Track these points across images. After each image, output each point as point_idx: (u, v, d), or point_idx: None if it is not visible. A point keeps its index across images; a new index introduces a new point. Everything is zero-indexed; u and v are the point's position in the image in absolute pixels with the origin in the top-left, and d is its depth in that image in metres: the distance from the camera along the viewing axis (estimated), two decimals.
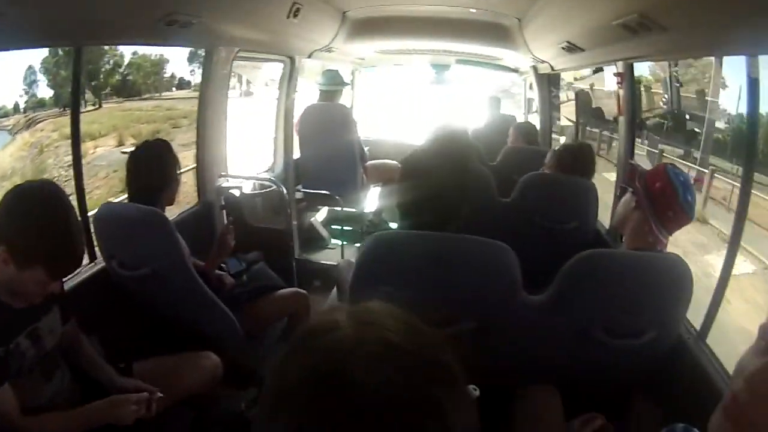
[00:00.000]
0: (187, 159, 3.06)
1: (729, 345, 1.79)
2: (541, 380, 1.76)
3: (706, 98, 5.98)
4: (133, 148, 2.42)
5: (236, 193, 3.41)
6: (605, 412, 1.31)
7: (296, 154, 4.41)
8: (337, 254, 4.26)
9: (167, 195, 2.34)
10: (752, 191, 1.99)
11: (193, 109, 3.21)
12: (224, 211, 3.31)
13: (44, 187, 1.55)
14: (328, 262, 3.97)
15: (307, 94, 4.60)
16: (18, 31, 1.74)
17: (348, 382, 0.49)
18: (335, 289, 2.59)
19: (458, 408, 0.53)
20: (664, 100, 6.90)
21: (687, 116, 6.52)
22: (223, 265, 2.69)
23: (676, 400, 1.71)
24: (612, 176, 3.53)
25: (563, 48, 3.26)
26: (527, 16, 3.49)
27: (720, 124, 5.97)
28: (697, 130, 6.36)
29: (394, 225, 3.78)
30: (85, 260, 2.41)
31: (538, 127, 4.84)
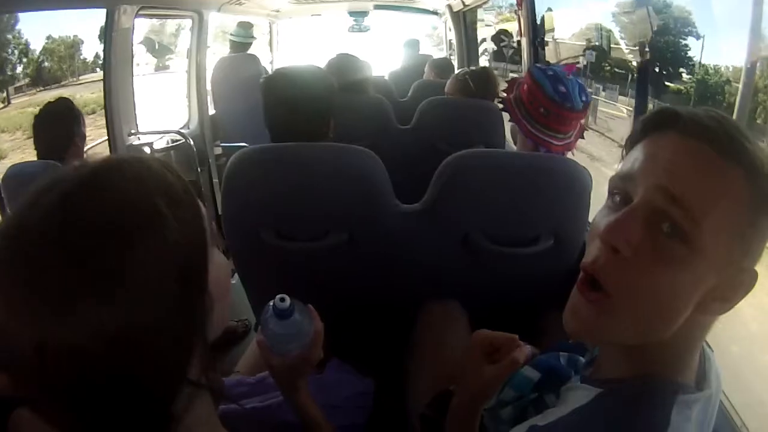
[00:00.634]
0: None
1: None
2: (440, 295, 1.71)
3: None
4: None
5: (147, 150, 3.33)
6: (516, 331, 1.26)
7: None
8: None
9: (73, 151, 2.34)
10: None
11: None
12: None
13: None
14: None
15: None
16: None
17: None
18: None
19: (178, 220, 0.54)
20: None
21: None
22: None
23: None
24: None
25: None
26: None
27: None
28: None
29: None
30: None
31: None
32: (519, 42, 3.33)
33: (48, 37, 3.26)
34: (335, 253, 1.56)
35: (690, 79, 2.59)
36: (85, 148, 2.45)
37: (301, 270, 1.62)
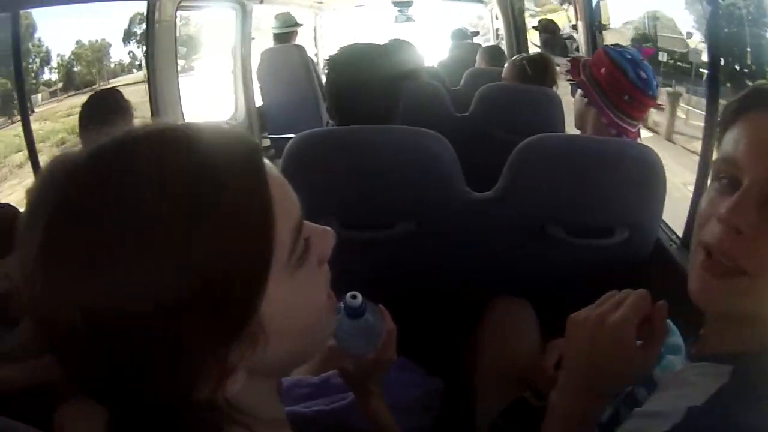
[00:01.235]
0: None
1: None
2: (509, 291, 1.60)
3: None
4: None
5: None
6: None
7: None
8: None
9: None
10: None
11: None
12: None
13: None
14: None
15: None
16: None
17: None
18: None
19: None
20: None
21: None
22: None
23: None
24: None
25: None
26: None
27: None
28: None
29: None
30: None
31: None
32: (567, 35, 3.22)
33: (77, 42, 3.28)
34: (401, 244, 1.47)
35: None
36: None
37: (364, 262, 1.54)
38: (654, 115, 4.13)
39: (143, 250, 0.41)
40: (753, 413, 0.62)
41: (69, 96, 3.16)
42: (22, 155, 2.59)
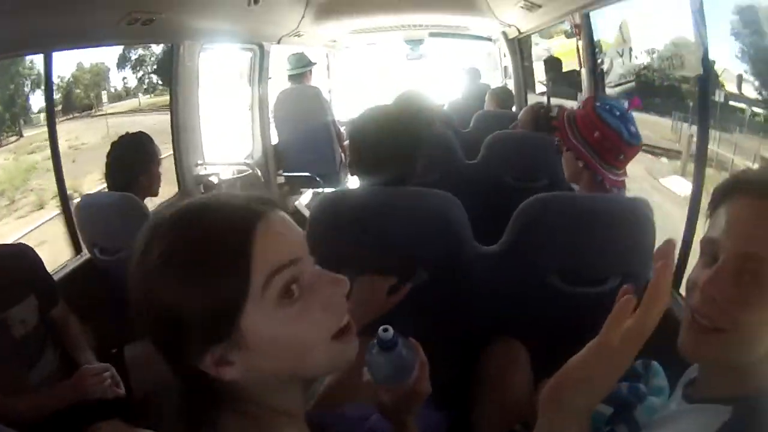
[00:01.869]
0: None
1: None
2: (508, 335, 1.71)
3: None
4: None
5: (215, 180, 3.47)
6: None
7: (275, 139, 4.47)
8: None
9: (143, 183, 2.39)
10: None
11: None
12: None
13: None
14: None
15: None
16: None
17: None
18: None
19: None
20: None
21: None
22: None
23: (651, 354, 1.66)
24: None
25: (522, 7, 3.30)
26: None
27: None
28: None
29: None
30: (71, 252, 2.55)
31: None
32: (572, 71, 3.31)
33: (78, 64, 3.29)
34: (414, 290, 1.59)
35: None
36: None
37: None
38: None
39: (178, 283, 0.65)
40: None
41: (65, 120, 3.18)
42: None
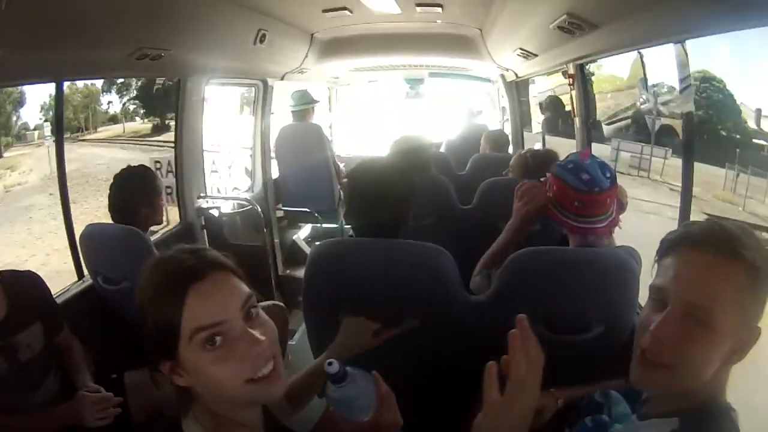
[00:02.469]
0: None
1: None
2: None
3: None
4: None
5: (215, 213, 3.53)
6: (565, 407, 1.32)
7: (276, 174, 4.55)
8: None
9: (146, 215, 2.48)
10: None
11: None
12: (204, 231, 3.45)
13: None
14: None
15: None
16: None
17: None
18: None
19: None
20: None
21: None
22: None
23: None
24: None
25: (519, 55, 3.40)
26: (487, 26, 3.64)
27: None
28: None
29: None
30: (74, 278, 2.61)
31: None
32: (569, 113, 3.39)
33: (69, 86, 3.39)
34: (406, 336, 1.65)
35: None
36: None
37: (375, 349, 1.71)
38: None
39: (149, 305, 0.90)
40: None
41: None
42: None
